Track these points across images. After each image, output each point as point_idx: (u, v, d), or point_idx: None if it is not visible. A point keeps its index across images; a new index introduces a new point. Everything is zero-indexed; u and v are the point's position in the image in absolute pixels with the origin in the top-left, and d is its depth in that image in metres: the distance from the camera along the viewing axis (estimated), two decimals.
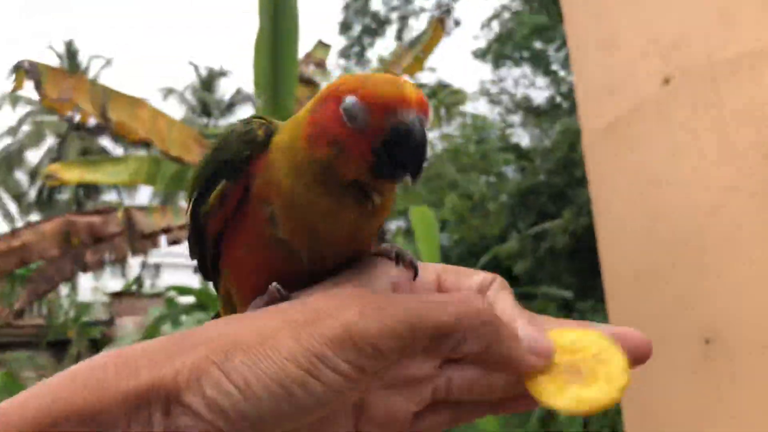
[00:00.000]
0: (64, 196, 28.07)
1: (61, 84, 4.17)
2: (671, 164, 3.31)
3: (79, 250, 4.34)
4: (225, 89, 31.41)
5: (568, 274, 16.47)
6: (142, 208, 4.74)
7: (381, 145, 0.44)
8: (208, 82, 30.42)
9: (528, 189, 17.61)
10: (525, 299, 7.54)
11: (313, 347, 0.38)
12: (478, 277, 0.49)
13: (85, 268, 4.51)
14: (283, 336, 0.38)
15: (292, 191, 0.46)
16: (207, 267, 0.55)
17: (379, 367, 0.39)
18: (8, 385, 6.26)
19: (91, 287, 16.74)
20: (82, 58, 29.02)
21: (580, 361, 0.43)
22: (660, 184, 3.38)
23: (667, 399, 3.30)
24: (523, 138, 21.70)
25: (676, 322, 3.18)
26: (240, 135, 0.48)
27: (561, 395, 0.42)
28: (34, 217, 27.26)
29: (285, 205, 0.46)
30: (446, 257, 20.82)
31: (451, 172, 14.26)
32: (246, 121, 0.49)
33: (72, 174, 4.76)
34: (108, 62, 29.12)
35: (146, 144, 4.54)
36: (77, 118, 4.52)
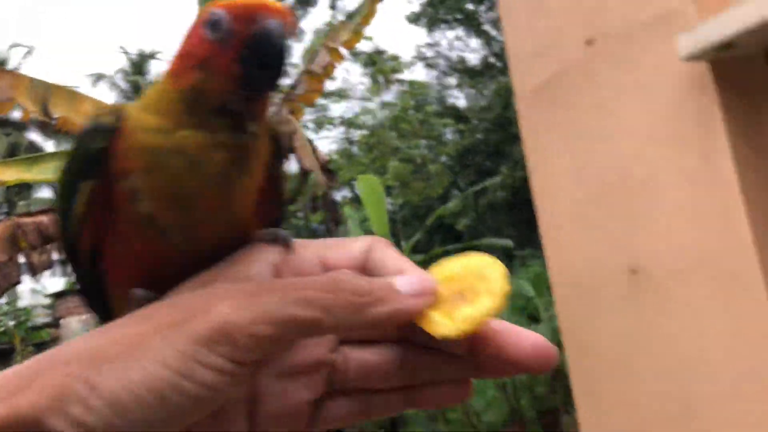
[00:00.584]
0: None
1: (0, 83, 4.05)
2: (597, 119, 3.60)
3: (26, 252, 4.21)
4: (157, 71, 30.37)
5: (508, 226, 17.02)
6: None
7: (246, 52, 0.42)
8: (139, 64, 29.37)
9: (466, 149, 17.96)
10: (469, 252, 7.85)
11: (183, 347, 0.35)
12: (358, 243, 0.46)
13: (33, 271, 4.39)
14: (151, 341, 0.36)
15: (153, 144, 0.42)
16: (91, 293, 0.50)
17: (257, 357, 0.36)
18: None
19: (30, 289, 16.12)
20: (1, 47, 27.58)
21: (464, 285, 0.42)
22: (587, 137, 3.67)
23: (601, 331, 3.63)
24: (459, 99, 22.03)
25: (606, 258, 3.50)
26: (89, 131, 0.43)
27: (450, 322, 0.40)
28: None
29: (147, 166, 0.42)
30: (392, 221, 21.03)
31: (393, 138, 14.40)
32: (92, 117, 0.45)
33: (10, 174, 4.56)
34: (29, 51, 27.69)
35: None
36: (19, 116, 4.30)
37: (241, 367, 0.36)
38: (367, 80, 17.92)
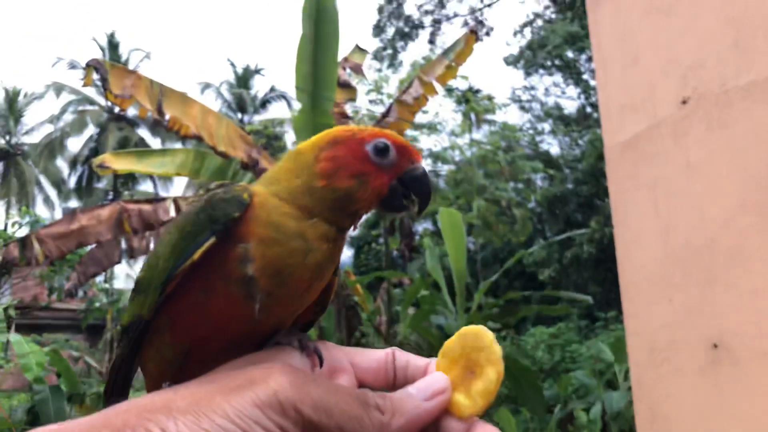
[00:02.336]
0: (101, 185, 28.71)
1: (123, 81, 4.39)
2: (686, 179, 3.45)
3: (128, 236, 4.55)
4: (259, 86, 31.88)
5: (592, 282, 16.40)
6: (188, 199, 4.96)
7: (398, 181, 0.51)
8: (244, 78, 30.93)
9: (555, 196, 17.58)
10: (548, 303, 7.60)
11: (245, 408, 0.40)
12: (382, 351, 0.52)
13: (132, 255, 4.75)
14: (217, 399, 0.41)
15: (279, 222, 0.48)
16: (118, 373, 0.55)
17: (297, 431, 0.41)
18: (55, 362, 6.54)
19: (125, 274, 17.09)
20: (123, 51, 29.74)
21: (469, 361, 0.47)
22: (675, 197, 3.52)
23: (676, 402, 3.43)
24: (552, 146, 21.69)
25: (686, 327, 3.32)
26: (227, 198, 0.49)
27: (470, 401, 0.46)
28: (73, 203, 27.91)
29: (267, 238, 0.48)
30: (471, 260, 20.82)
31: (479, 177, 14.34)
32: (225, 186, 0.51)
33: (121, 164, 4.99)
34: (147, 55, 29.75)
35: (185, 137, 4.76)
36: (135, 112, 4.72)
37: None
38: (459, 117, 18.03)
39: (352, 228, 0.52)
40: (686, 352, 3.34)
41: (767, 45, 3.02)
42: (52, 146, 27.98)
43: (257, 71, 30.53)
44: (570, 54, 18.50)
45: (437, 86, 5.88)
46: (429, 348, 7.31)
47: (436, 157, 15.68)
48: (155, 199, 4.85)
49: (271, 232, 0.48)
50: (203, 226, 0.48)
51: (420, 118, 14.22)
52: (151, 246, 4.90)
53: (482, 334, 0.46)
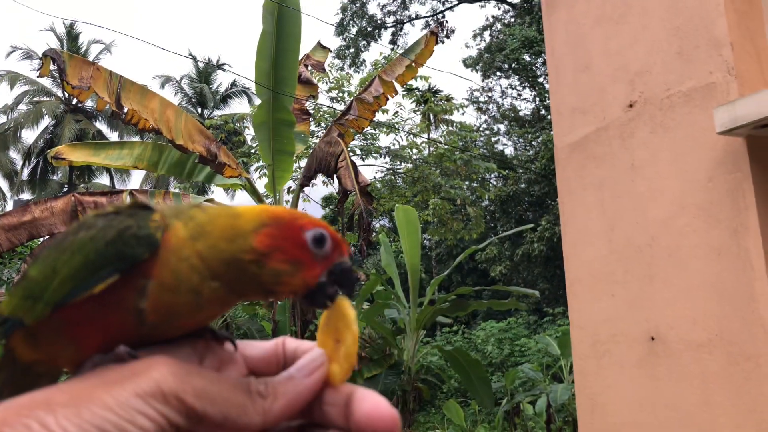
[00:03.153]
0: (56, 177, 27.90)
1: (81, 72, 4.32)
2: (630, 181, 3.62)
3: None
4: (221, 81, 31.36)
5: (541, 279, 16.81)
6: (145, 192, 4.92)
7: (327, 273, 0.50)
8: (205, 73, 30.43)
9: (509, 196, 17.93)
10: (498, 298, 7.79)
11: (126, 399, 0.40)
12: (272, 341, 0.53)
13: None
14: (98, 392, 0.41)
15: (181, 276, 0.47)
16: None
17: (183, 420, 0.42)
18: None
19: None
20: (83, 42, 28.94)
21: (337, 332, 0.49)
22: (619, 197, 3.68)
23: (615, 392, 3.58)
24: (507, 147, 22.09)
25: (627, 323, 3.48)
26: (140, 237, 0.48)
27: (339, 368, 0.47)
28: (26, 196, 27.03)
29: (167, 283, 0.47)
30: (426, 257, 21.07)
31: (435, 176, 14.51)
32: (140, 213, 0.50)
33: (78, 155, 4.90)
34: (107, 47, 29.01)
35: (144, 130, 4.69)
36: (93, 104, 4.63)
37: (170, 425, 0.41)
38: (417, 117, 18.18)
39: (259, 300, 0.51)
40: (626, 345, 3.51)
41: (708, 54, 3.19)
42: (5, 137, 26.99)
43: (219, 66, 30.04)
44: (527, 57, 18.87)
45: (397, 86, 5.97)
46: (384, 342, 7.43)
47: (395, 155, 15.80)
48: (111, 192, 4.76)
49: (171, 280, 0.47)
50: (108, 261, 0.47)
51: (380, 117, 14.29)
52: None
53: (340, 301, 0.49)
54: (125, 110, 4.37)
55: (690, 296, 3.37)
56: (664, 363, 3.37)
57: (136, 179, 27.27)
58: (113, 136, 26.67)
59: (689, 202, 3.37)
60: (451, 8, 22.27)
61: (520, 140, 20.89)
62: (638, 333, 3.61)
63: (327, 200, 18.65)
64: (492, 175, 18.32)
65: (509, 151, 21.77)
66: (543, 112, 19.91)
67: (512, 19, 21.18)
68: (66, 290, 0.48)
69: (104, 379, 0.42)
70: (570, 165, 4.08)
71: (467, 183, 16.30)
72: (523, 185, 17.78)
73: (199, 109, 29.27)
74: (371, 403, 0.45)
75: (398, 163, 16.41)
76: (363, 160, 15.73)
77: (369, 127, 12.13)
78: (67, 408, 0.39)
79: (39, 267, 0.51)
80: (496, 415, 8.52)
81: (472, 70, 20.74)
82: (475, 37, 22.52)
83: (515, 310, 14.96)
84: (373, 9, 20.61)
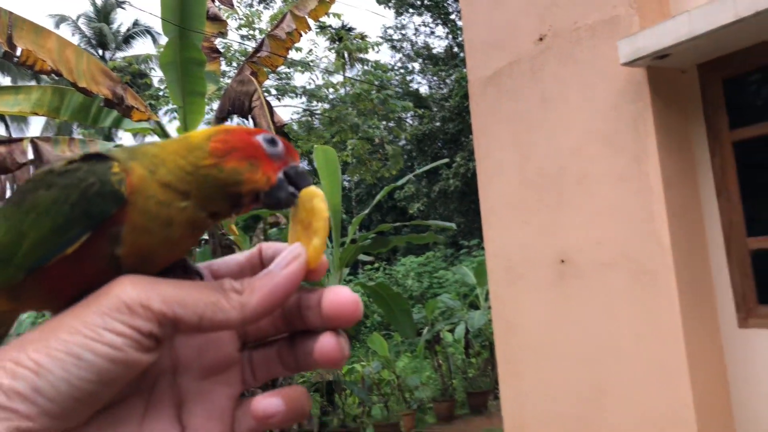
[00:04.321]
0: None
1: None
2: (541, 113, 3.76)
3: None
4: (122, 21, 29.25)
5: (457, 214, 17.32)
6: (47, 139, 4.62)
7: (287, 176, 0.51)
8: (104, 11, 28.36)
9: (424, 134, 18.12)
10: (417, 233, 7.96)
11: (92, 318, 0.41)
12: (246, 252, 0.55)
13: None
14: (65, 320, 0.42)
15: (152, 212, 0.48)
16: None
17: (152, 329, 0.42)
18: None
19: None
20: None
21: (310, 224, 0.51)
22: (531, 130, 3.82)
23: (529, 314, 3.81)
24: (422, 85, 22.15)
25: (539, 248, 3.68)
26: (104, 194, 0.47)
27: (313, 250, 0.49)
28: None
29: (137, 225, 0.47)
30: (347, 197, 21.17)
31: (353, 116, 14.43)
32: (96, 165, 0.49)
33: None
34: None
35: (41, 73, 4.37)
36: None
37: (141, 335, 0.41)
38: (332, 56, 17.85)
39: (229, 216, 0.52)
40: (539, 269, 3.72)
41: None
42: None
43: (119, 4, 28.01)
44: None
45: (310, 21, 5.82)
46: (307, 282, 7.44)
47: (311, 95, 15.52)
48: (9, 140, 4.43)
49: (143, 222, 0.47)
50: (77, 223, 0.47)
51: (294, 56, 13.94)
52: (8, 191, 4.50)
53: (308, 190, 0.50)
54: (19, 51, 4.02)
55: (596, 220, 3.57)
56: (573, 284, 3.58)
57: (35, 127, 25.51)
58: (5, 81, 24.71)
59: (596, 131, 3.53)
60: None
61: (435, 78, 20.98)
62: (550, 257, 3.80)
63: None
64: (408, 115, 18.42)
65: (424, 89, 21.86)
66: (456, 49, 19.99)
67: None
68: (38, 255, 0.48)
69: (71, 310, 0.43)
70: (484, 100, 4.17)
71: (384, 123, 16.31)
72: (438, 123, 17.98)
73: (100, 51, 27.33)
74: (334, 293, 0.48)
75: (315, 103, 16.16)
76: (279, 101, 15.39)
77: (283, 66, 11.82)
78: (37, 342, 0.40)
79: (3, 228, 0.50)
80: (417, 344, 8.89)
81: (385, 7, 20.42)
82: None
83: (434, 244, 15.38)
84: None
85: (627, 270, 3.39)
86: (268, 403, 0.46)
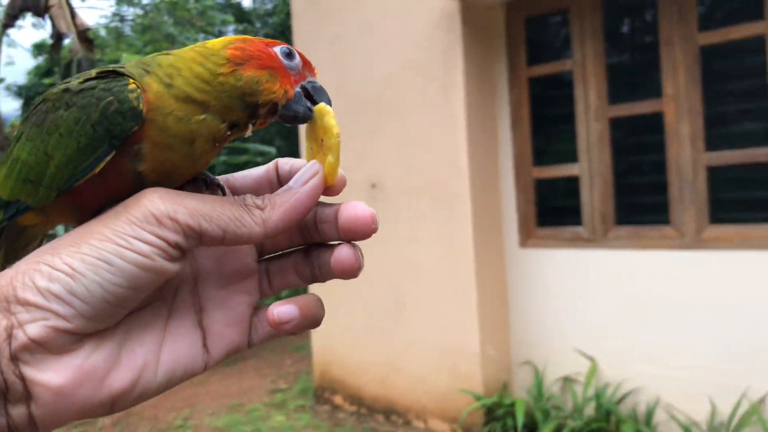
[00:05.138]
0: None
1: None
2: (362, 38, 3.80)
3: None
4: None
5: (278, 137, 17.18)
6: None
7: (306, 90, 0.52)
8: None
9: None
10: (235, 154, 7.78)
11: (122, 227, 0.43)
12: (262, 167, 0.56)
13: None
14: (95, 227, 0.44)
15: (171, 127, 0.48)
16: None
17: (179, 240, 0.44)
18: None
19: None
20: None
21: (323, 142, 0.52)
22: (352, 55, 3.87)
23: None
24: None
25: (354, 172, 3.81)
26: (123, 111, 0.47)
27: (329, 166, 0.51)
28: None
29: (158, 141, 0.48)
30: None
31: (168, 24, 13.42)
32: (109, 87, 0.48)
33: None
34: None
35: None
36: None
37: (169, 245, 0.43)
38: None
39: (247, 129, 0.52)
40: (353, 194, 3.87)
41: None
42: None
43: None
44: None
45: None
46: None
47: None
48: None
49: (163, 138, 0.48)
50: (101, 141, 0.47)
51: None
52: None
53: (319, 107, 0.52)
54: None
55: (406, 148, 3.75)
56: (382, 207, 3.77)
57: None
58: None
59: (410, 60, 3.66)
60: None
61: None
62: (362, 181, 3.95)
63: (39, 47, 16.16)
64: (229, 29, 17.51)
65: (248, 2, 20.85)
66: None
67: None
68: (66, 175, 0.48)
69: (101, 218, 0.45)
70: (306, 19, 4.12)
71: (202, 35, 15.41)
72: None
73: None
74: (351, 206, 0.51)
75: (126, 7, 14.76)
76: (83, 1, 13.86)
77: None
78: (70, 247, 0.42)
79: (27, 149, 0.50)
80: None
81: None
82: None
83: (255, 164, 15.14)
84: None
85: (430, 195, 3.62)
86: (283, 309, 0.49)
